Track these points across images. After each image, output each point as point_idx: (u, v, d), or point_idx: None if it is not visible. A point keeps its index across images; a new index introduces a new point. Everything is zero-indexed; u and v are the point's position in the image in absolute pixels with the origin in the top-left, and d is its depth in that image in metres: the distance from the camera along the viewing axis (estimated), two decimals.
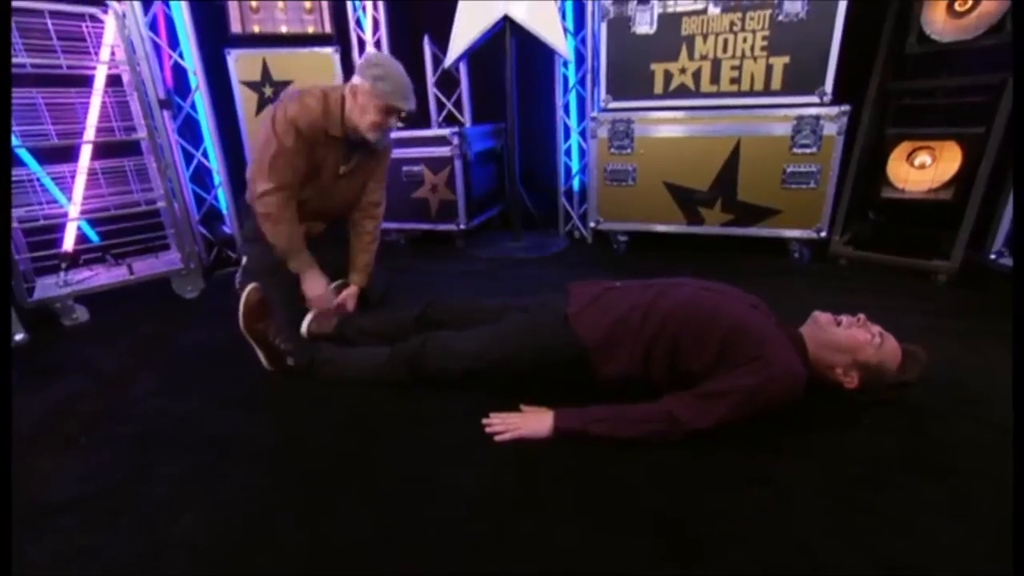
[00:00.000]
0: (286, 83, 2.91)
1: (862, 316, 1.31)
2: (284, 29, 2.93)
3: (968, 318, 1.88)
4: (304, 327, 1.78)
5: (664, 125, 2.61)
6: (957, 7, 2.05)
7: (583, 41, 2.95)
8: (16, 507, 1.10)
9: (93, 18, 2.12)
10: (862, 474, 1.13)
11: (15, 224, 2.14)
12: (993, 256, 2.21)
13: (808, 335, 1.33)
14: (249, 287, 1.57)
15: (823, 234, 2.49)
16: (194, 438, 1.36)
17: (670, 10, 2.52)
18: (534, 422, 1.24)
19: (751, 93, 2.49)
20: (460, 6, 2.81)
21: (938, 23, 2.09)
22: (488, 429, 1.26)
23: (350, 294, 1.93)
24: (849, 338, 1.27)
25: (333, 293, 1.87)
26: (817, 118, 2.36)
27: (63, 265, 2.28)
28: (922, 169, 2.27)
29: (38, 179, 2.21)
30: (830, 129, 2.36)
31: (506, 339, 1.41)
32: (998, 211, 2.19)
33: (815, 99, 2.39)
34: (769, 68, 2.44)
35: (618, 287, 1.44)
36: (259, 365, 1.63)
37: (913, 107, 2.33)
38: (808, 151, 2.41)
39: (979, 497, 1.05)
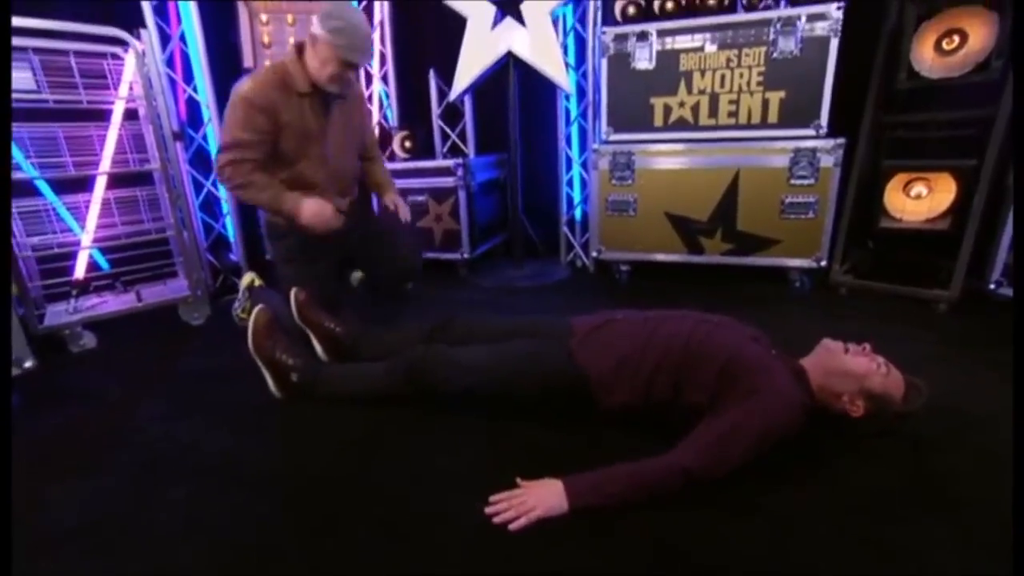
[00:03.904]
0: None
1: (867, 345, 1.32)
2: None
3: (969, 347, 1.89)
4: (318, 351, 1.80)
5: (664, 157, 2.67)
6: (944, 46, 2.12)
7: (584, 75, 3.04)
8: (17, 534, 1.10)
9: (115, 56, 2.21)
10: (864, 504, 1.12)
11: (29, 252, 2.19)
12: (992, 286, 2.23)
13: (814, 363, 1.34)
14: (257, 309, 1.61)
15: (823, 263, 2.52)
16: (198, 464, 1.37)
17: (668, 47, 2.61)
18: (547, 497, 1.11)
19: (748, 126, 2.55)
20: (465, 42, 2.92)
21: (926, 61, 2.16)
22: (497, 519, 1.09)
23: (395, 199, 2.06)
24: (857, 366, 1.27)
25: (335, 211, 1.83)
26: (814, 150, 2.42)
27: (74, 292, 2.32)
28: (918, 199, 2.31)
29: (54, 208, 2.27)
30: (826, 161, 2.41)
31: (510, 361, 1.43)
32: (995, 241, 2.21)
33: (811, 132, 2.45)
34: (765, 102, 2.51)
35: (619, 319, 1.46)
36: (264, 391, 1.64)
37: (906, 139, 2.38)
38: (806, 182, 2.46)
39: (982, 528, 1.05)
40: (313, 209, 1.76)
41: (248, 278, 2.28)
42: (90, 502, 1.24)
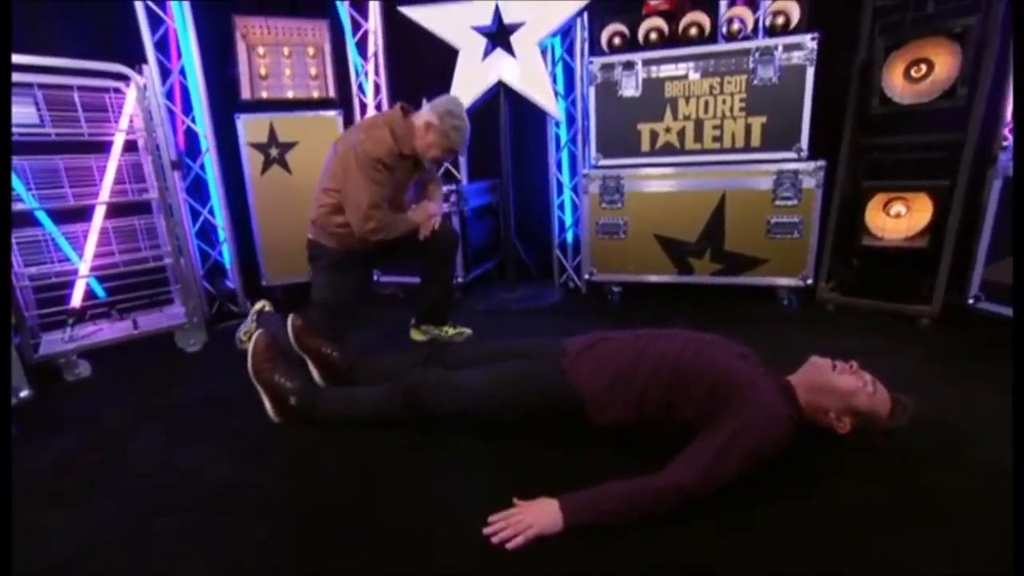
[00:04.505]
0: (291, 144, 3.07)
1: (854, 363, 1.36)
2: (291, 94, 3.11)
3: (952, 361, 1.94)
4: (315, 377, 1.81)
5: (652, 181, 2.75)
6: (913, 73, 2.23)
7: (573, 103, 3.14)
8: (15, 564, 1.10)
9: (116, 90, 2.27)
10: (854, 518, 1.15)
11: (27, 282, 2.21)
12: (971, 301, 2.29)
13: (802, 380, 1.37)
14: (257, 333, 1.64)
15: (809, 281, 2.59)
16: (197, 491, 1.37)
17: (654, 75, 2.71)
18: (543, 516, 1.13)
19: (733, 150, 2.65)
20: (457, 72, 3.02)
21: (897, 87, 2.27)
22: (495, 538, 1.11)
23: (427, 206, 2.22)
24: (845, 384, 1.31)
25: (431, 208, 2.19)
26: (796, 172, 2.51)
27: (70, 321, 2.33)
28: (898, 218, 2.39)
29: (52, 238, 2.29)
30: (808, 182, 2.50)
31: (505, 383, 1.46)
32: (972, 258, 2.29)
33: (793, 155, 2.54)
34: (748, 127, 2.61)
35: (611, 337, 1.50)
36: (261, 417, 1.65)
37: (883, 161, 2.48)
38: (789, 203, 2.54)
39: (971, 540, 1.07)
40: (423, 215, 2.16)
41: (260, 304, 2.31)
42: (88, 531, 1.23)
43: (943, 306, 2.25)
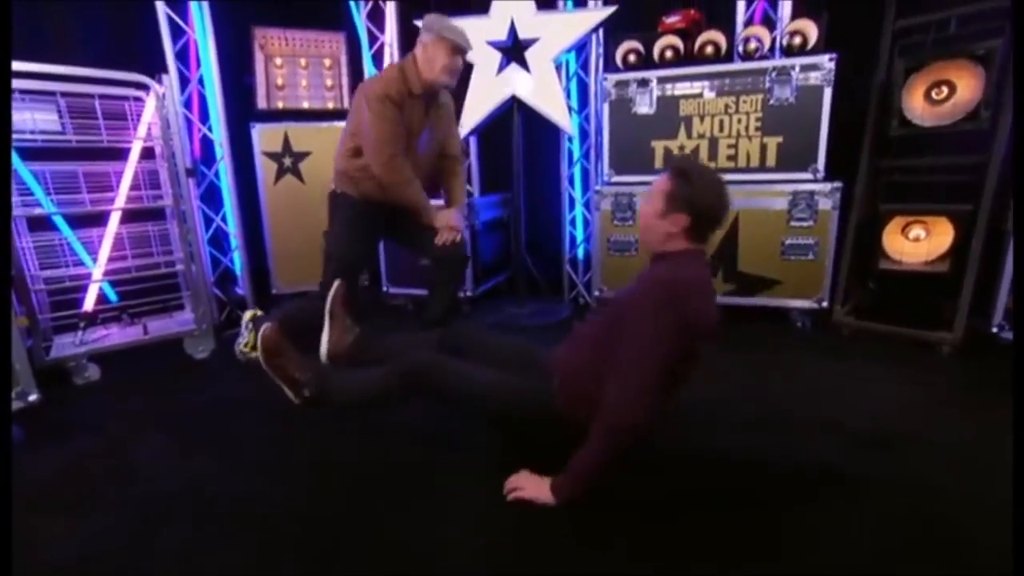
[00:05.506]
0: (305, 154, 3.10)
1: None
2: (306, 104, 3.15)
3: (973, 391, 1.88)
4: (323, 345, 1.80)
5: None
6: (934, 95, 2.19)
7: (587, 118, 3.14)
8: (15, 572, 1.10)
9: (136, 98, 2.31)
10: (872, 554, 1.11)
11: (42, 285, 2.24)
12: (995, 329, 2.23)
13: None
14: (263, 329, 1.62)
15: (824, 304, 2.53)
16: (198, 502, 1.37)
17: (668, 93, 2.70)
18: (534, 488, 1.29)
19: (748, 169, 2.62)
20: (471, 85, 3.03)
21: (917, 109, 2.23)
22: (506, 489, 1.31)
23: (452, 215, 2.18)
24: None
25: (454, 219, 2.13)
26: (812, 193, 2.47)
27: (82, 324, 2.35)
28: (917, 242, 2.34)
29: (68, 242, 2.33)
30: (825, 204, 2.46)
31: (501, 392, 1.43)
32: (996, 284, 2.23)
33: (809, 176, 2.50)
34: (763, 147, 2.58)
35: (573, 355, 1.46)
36: (265, 425, 1.68)
37: (902, 184, 2.43)
38: (805, 224, 2.50)
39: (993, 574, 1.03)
40: (445, 220, 2.11)
41: (250, 313, 2.31)
42: (89, 540, 1.23)
43: (965, 333, 2.19)
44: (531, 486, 1.29)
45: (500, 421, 1.52)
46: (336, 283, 1.80)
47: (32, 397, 1.82)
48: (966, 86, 2.12)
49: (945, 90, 2.17)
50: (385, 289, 3.22)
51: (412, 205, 2.09)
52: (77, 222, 2.37)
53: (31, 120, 2.09)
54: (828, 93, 2.42)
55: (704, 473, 1.43)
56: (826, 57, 2.40)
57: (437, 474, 1.43)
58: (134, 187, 2.41)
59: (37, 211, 2.22)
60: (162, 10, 2.71)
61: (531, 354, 1.60)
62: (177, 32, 2.80)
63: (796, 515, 1.22)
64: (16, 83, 2.02)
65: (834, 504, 1.28)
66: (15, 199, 2.14)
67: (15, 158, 2.19)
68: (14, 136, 2.09)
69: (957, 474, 1.38)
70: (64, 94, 2.13)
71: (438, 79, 1.98)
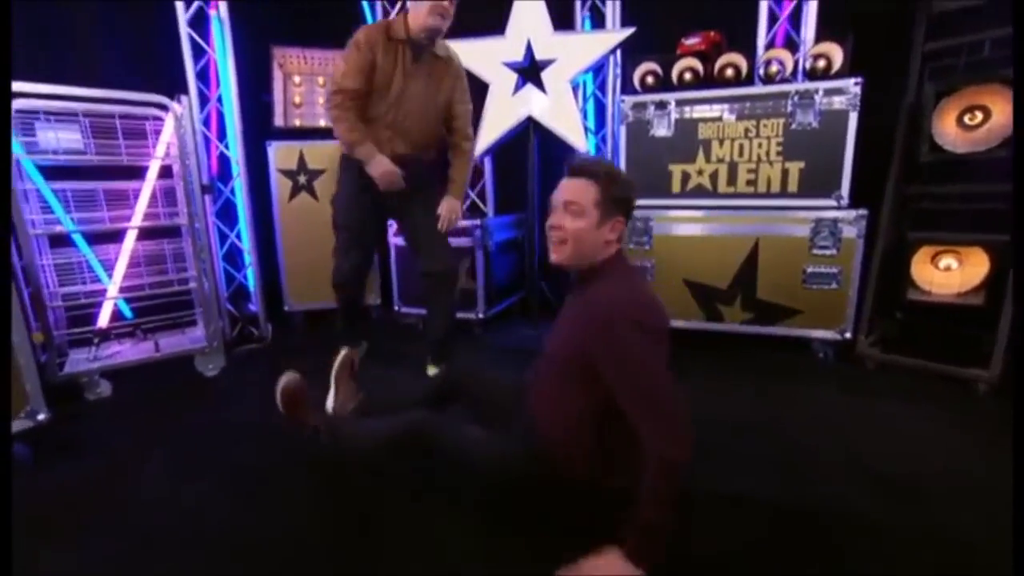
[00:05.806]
0: (319, 171, 3.11)
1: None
2: (323, 123, 3.16)
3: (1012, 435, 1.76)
4: (329, 404, 1.81)
5: (682, 224, 2.66)
6: (967, 120, 2.10)
7: (603, 139, 3.10)
8: None
9: (156, 117, 2.34)
10: None
11: (59, 302, 2.27)
12: None
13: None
14: (281, 383, 1.62)
15: (847, 335, 2.43)
16: (196, 532, 1.36)
17: (687, 116, 2.65)
18: (608, 567, 1.05)
19: (768, 195, 2.54)
20: (487, 105, 3.02)
21: (949, 135, 2.14)
22: None
23: (450, 206, 2.15)
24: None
25: (399, 171, 2.02)
26: (835, 221, 2.38)
27: (96, 340, 2.37)
28: (948, 272, 2.23)
29: (86, 260, 2.36)
30: (849, 232, 2.37)
31: (494, 458, 1.36)
32: None
33: (832, 202, 2.42)
34: (785, 172, 2.50)
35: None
36: (268, 452, 1.68)
37: (931, 211, 2.33)
38: (828, 252, 2.41)
39: None
40: (381, 169, 1.99)
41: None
42: (84, 567, 1.22)
43: (1003, 370, 2.06)
44: (601, 567, 1.06)
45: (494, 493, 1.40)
46: (344, 351, 1.80)
47: (41, 416, 1.82)
48: (1001, 111, 2.03)
49: (979, 115, 2.07)
50: (397, 308, 3.21)
51: (347, 140, 2.00)
52: (95, 239, 2.40)
53: (55, 139, 2.13)
54: (854, 118, 2.34)
55: (715, 519, 1.35)
56: (851, 81, 2.32)
57: (436, 508, 1.40)
58: (151, 205, 2.44)
59: (58, 229, 2.26)
60: (184, 32, 2.77)
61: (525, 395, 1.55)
62: (198, 52, 2.85)
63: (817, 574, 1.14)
64: (41, 104, 2.08)
65: (858, 559, 1.19)
66: (38, 218, 2.18)
67: (38, 178, 2.24)
68: (38, 156, 2.14)
69: (991, 529, 1.28)
70: (87, 114, 2.17)
71: (425, 21, 1.91)
